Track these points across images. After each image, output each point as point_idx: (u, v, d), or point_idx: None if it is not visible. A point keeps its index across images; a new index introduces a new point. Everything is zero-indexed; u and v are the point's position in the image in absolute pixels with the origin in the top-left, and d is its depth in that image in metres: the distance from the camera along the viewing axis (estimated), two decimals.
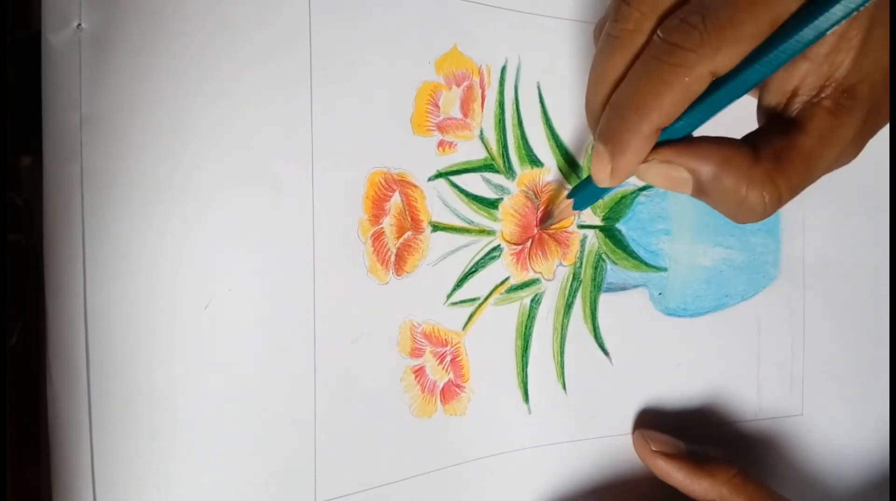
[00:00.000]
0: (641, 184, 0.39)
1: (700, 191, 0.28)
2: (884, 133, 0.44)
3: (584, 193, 0.34)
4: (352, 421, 0.32)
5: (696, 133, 0.28)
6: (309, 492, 0.31)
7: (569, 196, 0.34)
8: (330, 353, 0.31)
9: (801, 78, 0.27)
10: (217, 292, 0.29)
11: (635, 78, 0.26)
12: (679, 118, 0.27)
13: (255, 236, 0.29)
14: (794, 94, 0.27)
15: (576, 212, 0.36)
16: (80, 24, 0.27)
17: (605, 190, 0.31)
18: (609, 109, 0.27)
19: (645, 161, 0.28)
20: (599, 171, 0.28)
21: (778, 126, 0.28)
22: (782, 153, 0.27)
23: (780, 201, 0.27)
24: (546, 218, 0.37)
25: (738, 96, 0.26)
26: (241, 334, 0.29)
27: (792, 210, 0.43)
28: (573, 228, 0.37)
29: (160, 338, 0.28)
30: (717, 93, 0.26)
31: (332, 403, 0.31)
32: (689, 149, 0.28)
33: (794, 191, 0.27)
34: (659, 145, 0.28)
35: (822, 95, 0.27)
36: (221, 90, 0.29)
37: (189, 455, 0.28)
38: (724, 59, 0.25)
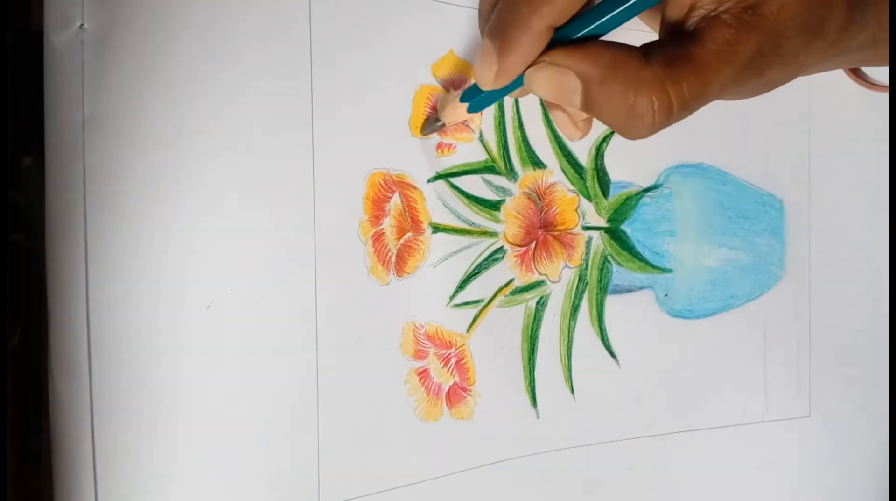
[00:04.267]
0: (646, 185, 0.39)
1: (589, 101, 0.26)
2: (885, 134, 0.44)
3: (476, 95, 0.31)
4: (355, 423, 0.32)
5: None
6: (312, 495, 0.31)
7: (463, 97, 0.32)
8: (332, 354, 0.31)
9: None
10: (219, 293, 0.29)
11: None
12: (576, 20, 0.26)
13: (257, 237, 0.30)
14: (693, 6, 0.26)
15: (469, 115, 0.33)
16: (82, 24, 0.27)
17: (499, 94, 0.29)
18: (501, 4, 0.26)
19: (533, 65, 0.27)
20: (484, 71, 0.27)
21: (675, 39, 0.26)
22: (675, 60, 0.26)
23: (670, 111, 0.26)
24: (431, 120, 0.34)
25: (641, 6, 0.25)
26: (242, 334, 0.29)
27: (797, 211, 0.43)
28: (578, 229, 0.37)
29: (162, 338, 0.28)
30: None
31: (334, 404, 0.31)
32: (578, 50, 0.26)
33: (686, 104, 0.26)
34: (549, 49, 0.26)
35: (722, 9, 0.26)
36: (223, 91, 0.29)
37: (191, 456, 0.28)
38: None
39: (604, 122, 0.27)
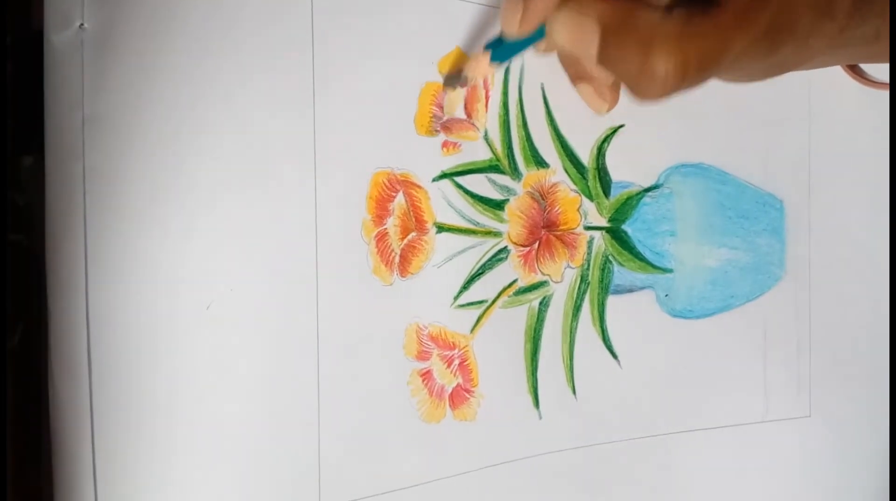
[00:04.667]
0: (646, 185, 0.39)
1: (604, 50, 0.26)
2: (885, 133, 0.45)
3: (502, 46, 0.31)
4: (357, 425, 0.31)
5: None
6: (313, 497, 0.30)
7: (487, 47, 0.31)
8: (334, 354, 0.31)
9: None
10: (219, 293, 0.28)
11: None
12: None
13: (258, 236, 0.29)
14: None
15: (493, 66, 0.33)
16: (82, 24, 0.26)
17: (522, 45, 0.29)
18: None
19: (557, 10, 0.27)
20: (510, 16, 0.27)
21: (695, 3, 0.26)
22: (694, 19, 0.25)
23: (683, 72, 0.25)
24: (453, 77, 0.33)
25: None
26: (243, 334, 0.29)
27: (797, 211, 0.43)
28: (580, 229, 0.37)
29: (162, 338, 0.28)
30: None
31: (336, 406, 0.31)
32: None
33: (701, 66, 0.26)
34: None
35: None
36: (224, 90, 0.28)
37: (191, 457, 0.28)
38: None
39: (617, 76, 0.27)
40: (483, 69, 0.32)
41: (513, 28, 0.28)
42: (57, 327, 0.27)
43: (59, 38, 0.26)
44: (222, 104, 0.29)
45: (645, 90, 0.26)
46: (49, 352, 0.27)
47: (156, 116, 0.27)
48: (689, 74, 0.26)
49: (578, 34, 0.27)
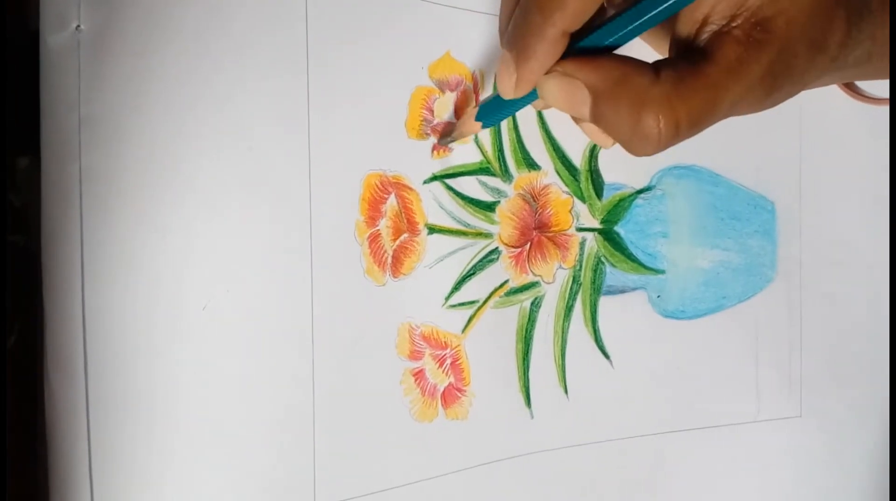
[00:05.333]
0: (639, 187, 0.39)
1: (597, 113, 0.27)
2: (887, 135, 0.45)
3: (493, 109, 0.31)
4: (351, 424, 0.32)
5: None
6: (308, 496, 0.31)
7: (478, 118, 0.32)
8: (328, 354, 0.31)
9: (712, 5, 0.26)
10: (215, 294, 0.29)
11: None
12: (590, 31, 0.26)
13: (254, 238, 0.30)
14: (704, 22, 0.26)
15: (480, 128, 0.33)
16: (78, 26, 0.27)
17: (513, 106, 0.29)
18: (516, 13, 0.27)
19: (546, 74, 0.27)
20: (505, 80, 0.28)
21: (686, 56, 0.27)
22: (685, 78, 0.25)
23: (676, 130, 0.26)
24: (447, 133, 0.34)
25: (653, 19, 0.26)
26: (238, 335, 0.29)
27: (788, 212, 0.43)
28: (572, 230, 0.37)
29: (158, 339, 0.28)
30: (631, 10, 0.25)
31: (330, 405, 0.31)
32: (590, 62, 0.26)
33: (694, 123, 0.26)
34: (562, 60, 0.27)
35: (733, 25, 0.26)
36: (220, 92, 0.29)
37: (187, 456, 0.28)
38: None
39: (610, 135, 0.27)
40: (472, 130, 0.33)
41: (509, 93, 0.28)
42: (53, 327, 0.27)
43: (55, 39, 0.27)
44: (218, 106, 0.29)
45: (638, 149, 0.27)
46: (45, 352, 0.27)
47: (152, 117, 0.28)
48: (682, 132, 0.26)
49: (570, 98, 0.27)
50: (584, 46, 0.27)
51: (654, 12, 0.26)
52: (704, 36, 0.26)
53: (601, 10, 0.26)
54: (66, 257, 0.27)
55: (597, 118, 0.27)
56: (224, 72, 0.29)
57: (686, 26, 0.27)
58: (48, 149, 0.27)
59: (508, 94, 0.28)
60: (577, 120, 0.33)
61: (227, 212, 0.29)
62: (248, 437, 0.29)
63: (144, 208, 0.28)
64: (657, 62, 0.26)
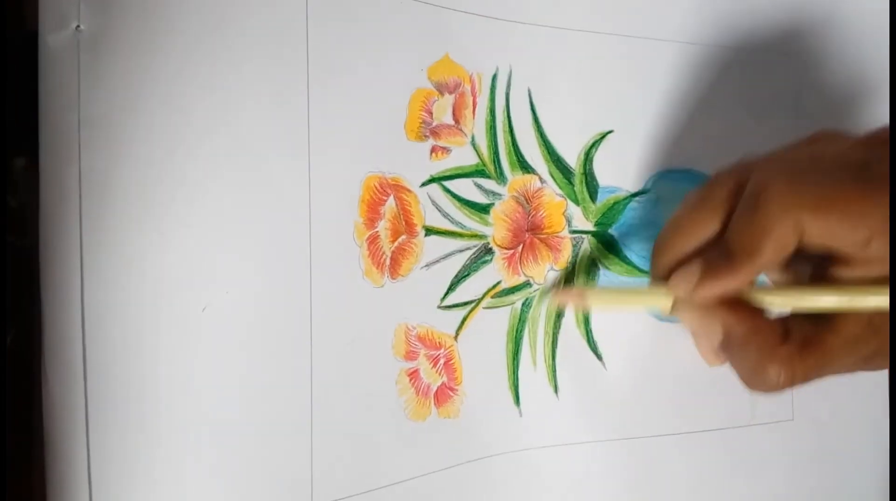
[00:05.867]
0: (634, 190, 0.40)
1: (727, 347, 0.31)
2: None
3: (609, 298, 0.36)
4: (348, 424, 0.32)
5: None
6: (306, 495, 0.31)
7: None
8: (326, 356, 0.31)
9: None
10: (215, 295, 0.29)
11: (746, 225, 0.29)
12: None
13: (253, 239, 0.30)
14: None
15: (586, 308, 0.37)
16: (78, 26, 0.27)
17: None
18: (717, 252, 0.30)
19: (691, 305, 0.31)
20: (683, 284, 0.31)
21: (811, 317, 0.30)
22: (809, 343, 0.29)
23: (791, 383, 0.29)
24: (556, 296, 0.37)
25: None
26: (238, 336, 0.29)
27: None
28: (564, 232, 0.38)
29: (158, 340, 0.28)
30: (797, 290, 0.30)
31: (328, 406, 0.31)
32: (731, 307, 0.30)
33: (806, 379, 0.29)
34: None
35: None
36: (220, 94, 0.29)
37: (186, 457, 0.28)
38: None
39: (732, 366, 0.31)
40: (581, 304, 0.37)
41: (681, 292, 0.31)
42: (51, 329, 0.27)
43: (54, 39, 0.27)
44: (218, 108, 0.29)
45: (755, 387, 0.30)
46: (44, 354, 0.27)
47: (152, 118, 0.28)
48: (795, 384, 0.29)
49: (703, 327, 0.31)
50: None
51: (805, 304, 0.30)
52: None
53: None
54: (65, 259, 0.27)
55: (725, 351, 0.31)
56: (224, 73, 0.29)
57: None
58: (47, 149, 0.27)
59: (682, 295, 0.31)
60: (694, 333, 0.36)
61: (227, 213, 0.29)
62: (247, 437, 0.30)
63: (144, 208, 0.28)
64: (785, 320, 0.30)
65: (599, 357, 0.39)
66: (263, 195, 0.30)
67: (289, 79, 0.31)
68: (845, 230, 0.27)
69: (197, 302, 0.29)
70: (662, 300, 0.32)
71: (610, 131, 0.39)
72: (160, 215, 0.28)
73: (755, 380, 0.30)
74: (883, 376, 0.45)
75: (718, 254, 0.30)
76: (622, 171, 0.39)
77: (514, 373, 0.37)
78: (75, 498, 0.27)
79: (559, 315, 0.38)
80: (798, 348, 0.29)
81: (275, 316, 0.30)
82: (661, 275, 0.32)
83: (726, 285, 0.30)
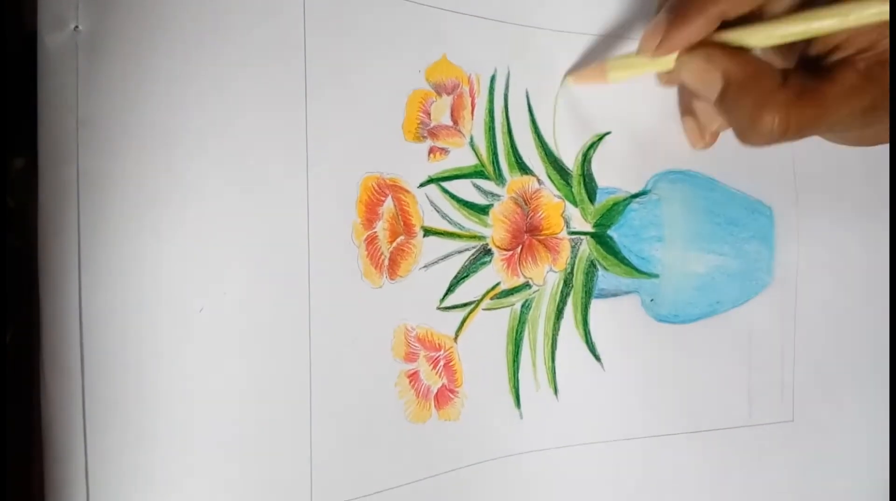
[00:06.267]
0: (634, 191, 0.39)
1: (724, 97, 0.30)
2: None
3: (623, 65, 0.35)
4: (347, 427, 0.32)
5: None
6: (305, 498, 0.31)
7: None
8: (325, 357, 0.31)
9: (847, 35, 0.29)
10: (212, 296, 0.29)
11: None
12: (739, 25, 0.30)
13: (251, 240, 0.30)
14: (836, 47, 0.30)
15: (608, 80, 0.36)
16: (76, 26, 0.27)
17: (642, 67, 0.34)
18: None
19: (689, 51, 0.31)
20: (650, 40, 0.31)
21: (811, 70, 0.30)
22: (807, 90, 0.29)
23: (784, 132, 0.29)
24: (576, 73, 0.37)
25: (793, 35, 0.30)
26: (235, 337, 0.29)
27: (787, 218, 0.43)
28: (563, 234, 0.38)
29: (155, 341, 0.28)
30: (780, 20, 0.30)
31: (327, 408, 0.31)
32: (731, 53, 0.30)
33: (801, 129, 0.29)
34: (706, 42, 0.30)
35: (860, 56, 0.29)
36: (219, 94, 0.29)
37: (184, 459, 0.28)
38: None
39: (728, 121, 0.31)
40: (600, 79, 0.36)
41: (649, 50, 0.32)
42: (50, 329, 0.27)
43: (53, 40, 0.27)
44: (217, 108, 0.29)
45: (749, 138, 0.31)
46: (42, 354, 0.27)
47: (150, 119, 0.28)
48: (789, 135, 0.30)
49: (704, 79, 0.31)
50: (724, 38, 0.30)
51: (800, 29, 0.30)
52: (832, 58, 0.30)
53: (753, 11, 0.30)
54: (63, 259, 0.27)
55: (721, 102, 0.31)
56: (222, 73, 0.29)
57: (819, 46, 0.30)
58: (45, 150, 0.27)
59: (649, 52, 0.32)
60: (683, 112, 0.37)
61: (225, 214, 0.29)
62: (245, 438, 0.30)
63: (141, 209, 0.28)
64: (785, 70, 0.30)
65: (598, 358, 0.38)
66: (261, 196, 0.30)
67: (287, 80, 0.31)
68: None
69: (194, 303, 0.29)
70: (668, 62, 0.32)
71: (608, 133, 0.39)
72: (158, 215, 0.28)
73: (750, 129, 0.30)
74: (883, 376, 0.45)
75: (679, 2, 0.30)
76: (621, 172, 0.39)
77: (514, 375, 0.36)
78: (73, 496, 0.27)
79: (558, 316, 0.37)
80: (795, 94, 0.29)
81: (273, 317, 0.30)
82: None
83: (692, 27, 0.30)
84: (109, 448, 0.27)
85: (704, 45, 0.31)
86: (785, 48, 0.33)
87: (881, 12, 0.28)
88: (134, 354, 0.28)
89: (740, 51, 0.30)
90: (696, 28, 0.30)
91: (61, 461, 0.27)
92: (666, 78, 0.34)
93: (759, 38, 0.30)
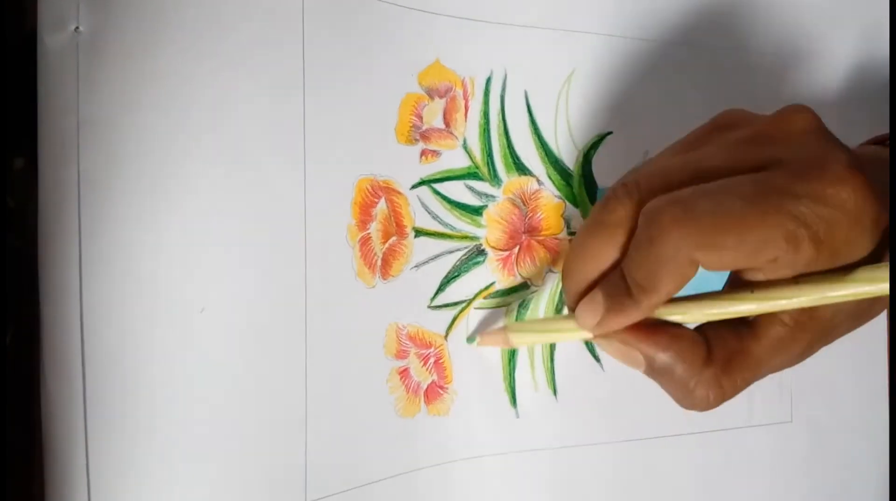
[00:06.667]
0: None
1: (651, 374, 0.30)
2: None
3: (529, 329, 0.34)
4: (341, 422, 0.32)
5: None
6: (300, 492, 0.31)
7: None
8: (320, 355, 0.32)
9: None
10: (212, 296, 0.29)
11: (642, 261, 0.27)
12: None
13: (250, 241, 0.30)
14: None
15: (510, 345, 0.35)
16: (77, 27, 0.27)
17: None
18: (613, 276, 0.28)
19: (606, 336, 0.30)
20: (586, 318, 0.29)
21: (733, 328, 0.29)
22: (733, 358, 0.29)
23: (723, 399, 0.29)
24: (473, 335, 0.36)
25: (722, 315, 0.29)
26: (235, 337, 0.30)
27: None
28: (563, 234, 0.38)
29: (155, 341, 0.28)
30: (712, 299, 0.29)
31: (322, 404, 0.32)
32: (648, 335, 0.29)
33: (737, 390, 0.29)
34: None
35: (783, 313, 0.28)
36: (218, 96, 0.29)
37: (182, 456, 0.29)
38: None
39: (664, 390, 0.30)
40: (503, 344, 0.35)
41: (584, 327, 0.30)
42: (50, 329, 0.27)
43: (53, 40, 0.27)
44: (216, 110, 0.29)
45: (689, 407, 0.30)
46: (42, 355, 0.27)
47: (150, 120, 0.28)
48: (728, 397, 0.29)
49: (625, 359, 0.30)
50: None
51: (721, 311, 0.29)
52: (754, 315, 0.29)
53: None
54: (63, 260, 0.27)
55: (652, 376, 0.30)
56: (221, 75, 0.29)
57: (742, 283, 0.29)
58: (45, 150, 0.27)
59: (583, 328, 0.30)
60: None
61: (225, 215, 0.29)
62: (243, 435, 0.30)
63: (142, 210, 0.28)
64: (707, 333, 0.29)
65: (597, 358, 0.38)
66: (260, 197, 0.30)
67: (286, 83, 0.31)
68: (744, 257, 0.26)
69: (195, 303, 0.29)
70: (583, 333, 0.31)
71: (609, 133, 0.39)
72: (158, 216, 0.28)
73: (686, 402, 0.30)
74: (881, 377, 0.44)
75: (619, 284, 0.28)
76: (622, 172, 0.39)
77: (510, 374, 0.37)
78: (74, 496, 0.27)
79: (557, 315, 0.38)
80: (722, 366, 0.28)
81: (271, 317, 0.31)
82: (572, 304, 0.30)
83: (628, 318, 0.28)
84: (110, 447, 0.27)
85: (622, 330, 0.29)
86: None
87: (799, 302, 0.27)
88: (134, 353, 0.28)
89: (657, 330, 0.29)
90: (634, 319, 0.28)
91: (62, 460, 0.27)
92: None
93: (689, 316, 0.29)
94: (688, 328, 0.29)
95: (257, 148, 0.30)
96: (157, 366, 0.28)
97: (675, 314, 0.29)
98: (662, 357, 0.29)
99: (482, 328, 0.37)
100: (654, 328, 0.29)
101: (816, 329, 0.28)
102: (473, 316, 0.36)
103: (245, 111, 0.30)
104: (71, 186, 0.27)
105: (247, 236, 0.30)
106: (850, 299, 0.27)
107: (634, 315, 0.28)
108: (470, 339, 0.36)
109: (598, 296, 0.29)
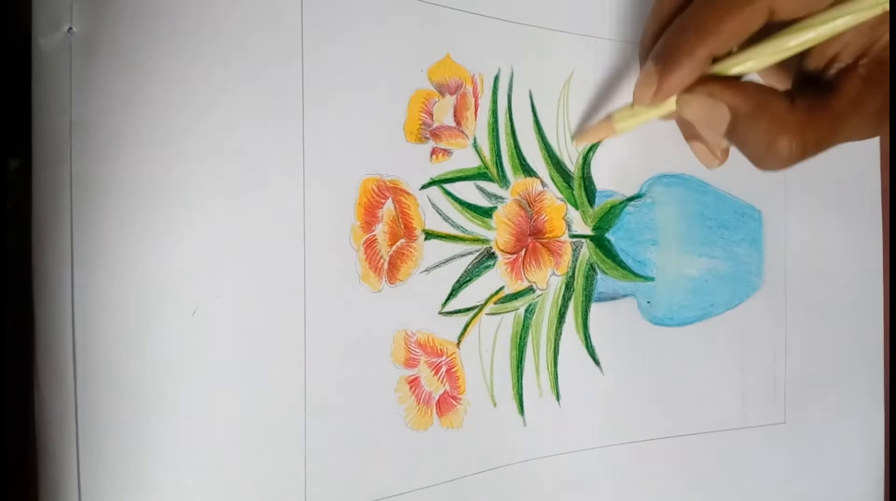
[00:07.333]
0: (629, 194, 0.39)
1: (734, 130, 0.30)
2: (870, 146, 0.46)
3: (627, 115, 0.34)
4: (344, 434, 0.31)
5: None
6: None
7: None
8: (321, 362, 0.31)
9: (842, 45, 0.29)
10: (205, 298, 0.28)
11: (700, 3, 0.28)
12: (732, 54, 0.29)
13: (245, 242, 0.29)
14: (833, 59, 0.29)
15: (615, 133, 0.36)
16: (70, 28, 0.26)
17: (645, 114, 0.33)
18: (668, 32, 0.30)
19: (689, 91, 0.30)
20: (644, 90, 0.31)
21: (813, 87, 0.30)
22: (816, 108, 0.29)
23: (803, 153, 0.29)
24: (583, 135, 0.37)
25: (789, 50, 0.29)
26: (228, 341, 0.29)
27: (775, 222, 0.43)
28: (565, 237, 0.37)
29: (148, 343, 0.27)
30: (772, 38, 0.29)
31: (322, 413, 0.31)
32: (734, 86, 0.29)
33: (818, 146, 0.29)
34: (704, 79, 0.30)
35: (859, 64, 0.29)
36: (213, 95, 0.28)
37: (177, 462, 0.28)
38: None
39: (742, 152, 0.30)
40: (607, 134, 0.36)
41: (645, 100, 0.31)
42: (43, 331, 0.26)
43: (47, 41, 0.26)
44: (211, 110, 0.28)
45: (769, 165, 0.30)
46: (35, 356, 0.26)
47: (144, 121, 0.27)
48: (808, 154, 0.29)
49: (710, 116, 0.30)
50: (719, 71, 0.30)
51: (792, 45, 0.29)
52: (832, 71, 0.30)
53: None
54: (57, 261, 0.26)
55: (732, 136, 0.30)
56: (218, 75, 0.28)
57: (815, 61, 0.30)
58: (39, 152, 0.26)
59: (646, 102, 0.31)
60: (688, 137, 0.37)
61: (219, 215, 0.28)
62: (239, 443, 0.29)
63: (135, 211, 0.27)
64: (788, 91, 0.30)
65: (597, 362, 0.38)
66: (255, 197, 0.29)
67: (283, 79, 0.30)
68: None
69: (187, 305, 0.28)
70: (670, 104, 0.31)
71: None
72: (151, 217, 0.27)
73: (767, 156, 0.30)
74: (876, 379, 0.46)
75: (670, 44, 0.30)
76: (618, 175, 0.39)
77: (518, 381, 0.36)
78: (66, 498, 0.26)
79: (560, 321, 0.37)
80: (805, 114, 0.29)
81: (267, 320, 0.29)
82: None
83: (682, 76, 0.29)
84: (101, 448, 0.27)
85: (703, 81, 0.30)
86: (782, 69, 0.33)
87: (875, 4, 0.27)
88: (127, 356, 0.27)
89: (740, 80, 0.30)
90: (688, 72, 0.29)
91: (54, 463, 0.26)
92: (667, 114, 0.33)
93: (757, 60, 0.30)
94: (768, 86, 0.30)
95: (252, 147, 0.29)
96: (149, 368, 0.27)
97: (738, 65, 0.30)
98: (748, 105, 0.29)
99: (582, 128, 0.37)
100: (737, 82, 0.30)
101: (885, 87, 0.29)
102: (485, 323, 0.35)
103: (240, 109, 0.29)
104: (64, 187, 0.26)
105: (241, 236, 0.29)
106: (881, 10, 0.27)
107: (689, 66, 0.29)
108: (573, 138, 0.37)
109: (648, 65, 0.30)
